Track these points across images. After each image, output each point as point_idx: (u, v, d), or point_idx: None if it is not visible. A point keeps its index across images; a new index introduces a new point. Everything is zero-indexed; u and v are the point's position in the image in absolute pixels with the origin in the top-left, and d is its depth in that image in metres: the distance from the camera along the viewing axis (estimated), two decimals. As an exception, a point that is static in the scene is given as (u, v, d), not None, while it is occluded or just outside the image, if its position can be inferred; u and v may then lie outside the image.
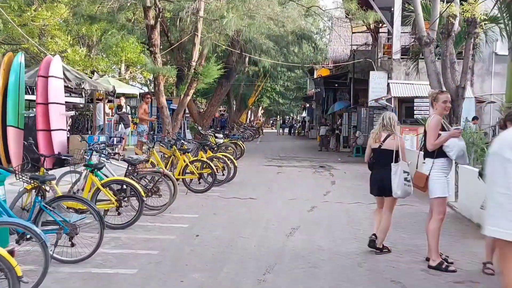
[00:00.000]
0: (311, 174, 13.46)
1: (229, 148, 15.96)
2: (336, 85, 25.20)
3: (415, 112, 15.56)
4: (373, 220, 6.17)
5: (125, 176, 7.35)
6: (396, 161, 5.54)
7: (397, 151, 5.59)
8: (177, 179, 9.62)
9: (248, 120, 60.02)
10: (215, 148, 14.09)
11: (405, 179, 5.47)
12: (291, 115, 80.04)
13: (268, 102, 61.27)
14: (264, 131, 45.68)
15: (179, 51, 20.63)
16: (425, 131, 5.23)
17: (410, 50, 16.87)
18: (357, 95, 23.56)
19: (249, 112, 60.63)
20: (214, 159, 10.90)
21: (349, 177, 12.89)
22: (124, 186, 6.80)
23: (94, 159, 7.52)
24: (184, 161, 9.68)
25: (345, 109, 23.76)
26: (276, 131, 51.49)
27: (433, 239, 5.20)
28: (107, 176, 7.18)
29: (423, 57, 16.16)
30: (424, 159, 5.23)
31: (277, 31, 25.88)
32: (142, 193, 6.58)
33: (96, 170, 6.60)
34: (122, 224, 6.56)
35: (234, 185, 10.75)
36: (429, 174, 5.07)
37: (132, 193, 6.69)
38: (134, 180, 7.16)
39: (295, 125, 49.61)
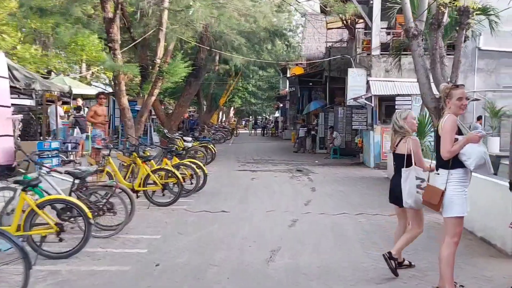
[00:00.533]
0: (288, 179, 12.42)
1: (198, 153, 14.78)
2: (311, 84, 24.30)
3: (396, 111, 14.69)
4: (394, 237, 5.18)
5: (71, 192, 6.11)
6: (408, 166, 4.59)
7: (409, 155, 4.61)
8: (138, 191, 8.43)
9: (219, 121, 58.73)
10: (183, 154, 12.90)
11: (418, 186, 4.49)
12: (264, 115, 79.22)
13: (240, 102, 60.22)
14: (239, 132, 44.47)
15: (143, 48, 19.30)
16: (437, 136, 4.20)
17: (391, 45, 16.06)
18: (333, 94, 22.71)
19: (221, 112, 59.36)
20: (181, 166, 9.72)
21: (329, 182, 11.91)
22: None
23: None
24: (146, 170, 8.46)
25: (321, 109, 22.88)
26: (248, 131, 50.39)
27: (447, 267, 4.20)
28: (48, 193, 5.94)
29: (406, 52, 15.44)
30: (437, 169, 4.21)
31: (248, 27, 24.85)
32: (89, 214, 5.36)
33: (31, 187, 5.35)
34: (65, 253, 5.34)
35: (204, 196, 9.59)
36: (445, 189, 4.05)
37: (79, 213, 5.48)
38: (81, 197, 5.94)
39: (268, 125, 48.62)
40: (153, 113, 25.77)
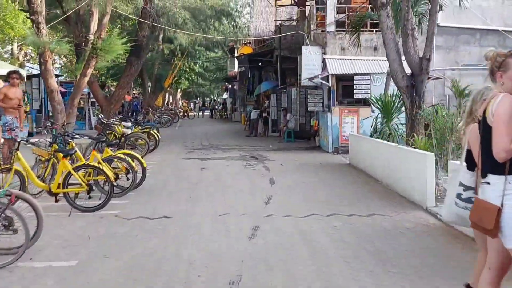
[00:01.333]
0: (242, 169, 11.05)
1: (139, 140, 13.08)
2: (261, 64, 22.90)
3: (355, 91, 13.67)
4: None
5: None
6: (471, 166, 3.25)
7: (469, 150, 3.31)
8: (57, 194, 6.77)
9: (166, 103, 56.24)
10: (118, 143, 11.21)
11: (459, 196, 3.21)
12: (212, 97, 77.17)
13: (187, 84, 57.96)
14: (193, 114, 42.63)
15: (77, 24, 17.07)
16: (484, 126, 2.84)
17: (346, 21, 14.92)
18: (285, 74, 21.46)
19: (167, 95, 56.89)
20: (115, 159, 8.10)
21: (288, 171, 10.66)
22: None
23: None
24: (66, 167, 6.78)
25: (272, 90, 21.58)
26: (195, 114, 48.45)
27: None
28: None
29: (364, 29, 14.32)
30: (485, 176, 2.87)
31: (193, 3, 23.01)
32: None
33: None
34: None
35: (142, 194, 8.03)
36: (501, 205, 2.75)
37: None
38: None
39: (216, 107, 46.89)
40: (92, 96, 23.60)
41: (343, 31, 15.01)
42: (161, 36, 28.23)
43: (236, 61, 37.91)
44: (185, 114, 40.24)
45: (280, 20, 22.44)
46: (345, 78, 14.13)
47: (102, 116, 14.10)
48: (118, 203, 7.21)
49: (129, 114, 23.32)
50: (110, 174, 6.93)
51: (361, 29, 14.59)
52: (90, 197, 6.98)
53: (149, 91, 30.54)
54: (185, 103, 51.73)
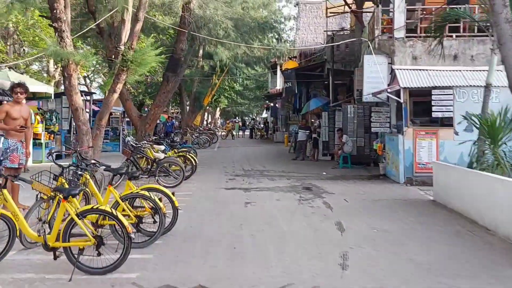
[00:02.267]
0: (297, 206, 8.82)
1: (173, 166, 11.15)
2: (309, 79, 20.76)
3: (433, 108, 11.25)
4: None
5: None
6: None
7: None
8: (55, 249, 4.80)
9: (205, 122, 54.85)
10: (152, 169, 9.34)
11: None
12: (250, 116, 75.62)
13: (226, 103, 56.52)
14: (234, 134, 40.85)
15: (110, 37, 15.56)
16: None
17: (419, 24, 12.63)
18: (335, 90, 19.26)
19: (206, 114, 55.60)
20: (138, 197, 6.10)
21: (357, 210, 8.37)
22: None
23: None
24: (69, 211, 4.80)
25: (323, 108, 19.35)
26: (235, 133, 46.63)
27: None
28: None
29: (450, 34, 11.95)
30: None
31: (235, 14, 21.29)
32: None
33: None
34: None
35: (171, 245, 5.97)
36: None
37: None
38: None
39: (255, 126, 44.92)
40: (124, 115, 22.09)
41: (415, 36, 12.70)
42: (200, 52, 26.70)
43: (278, 78, 36.02)
44: (228, 134, 38.22)
45: (331, 31, 20.30)
46: (417, 93, 11.77)
47: (131, 138, 12.26)
48: (138, 259, 5.21)
49: (163, 134, 21.61)
50: (127, 222, 4.87)
51: (432, 34, 12.27)
52: (99, 254, 4.94)
53: (187, 110, 28.93)
54: (228, 123, 50.01)
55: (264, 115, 62.46)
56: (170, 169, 11.28)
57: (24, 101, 7.25)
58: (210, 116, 66.28)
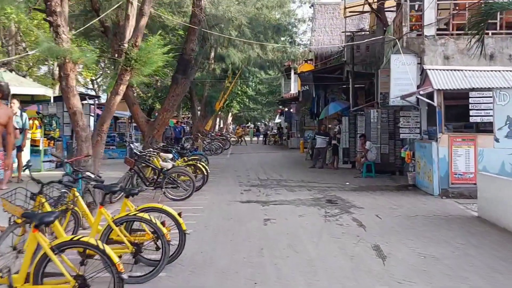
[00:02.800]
0: (323, 224, 7.69)
1: (182, 177, 10.11)
2: (327, 82, 19.62)
3: (471, 112, 10.06)
4: None
5: None
6: None
7: None
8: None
9: (217, 127, 53.91)
10: (159, 179, 8.34)
11: None
12: (263, 121, 74.64)
13: (239, 108, 55.57)
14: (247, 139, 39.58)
15: (116, 36, 14.65)
16: None
17: (450, 20, 11.47)
18: (355, 93, 18.12)
19: (218, 119, 54.70)
20: (135, 220, 5.03)
21: (393, 229, 7.22)
22: None
23: None
24: (43, 244, 3.74)
25: (341, 113, 18.20)
26: (249, 139, 45.48)
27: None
28: None
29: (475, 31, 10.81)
30: None
31: (249, 13, 20.31)
32: None
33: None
34: None
35: (177, 278, 4.91)
36: None
37: None
38: None
39: (268, 132, 43.78)
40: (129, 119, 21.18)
41: (447, 34, 11.53)
42: (212, 54, 25.73)
43: (292, 82, 34.96)
44: (240, 139, 37.20)
45: (350, 32, 19.17)
46: (449, 95, 10.60)
47: (136, 145, 11.24)
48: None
49: (172, 140, 20.66)
50: (117, 258, 3.78)
51: (471, 31, 11.10)
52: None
53: (198, 114, 27.93)
54: (241, 129, 48.57)
55: (277, 120, 61.37)
56: (179, 179, 10.22)
57: (5, 103, 6.24)
58: (222, 121, 65.43)
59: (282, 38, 27.68)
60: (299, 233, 7.03)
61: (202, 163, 11.89)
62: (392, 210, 8.79)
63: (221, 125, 63.25)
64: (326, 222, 7.76)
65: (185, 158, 12.65)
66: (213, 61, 25.65)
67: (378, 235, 6.79)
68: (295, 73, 33.54)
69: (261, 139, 41.96)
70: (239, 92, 46.58)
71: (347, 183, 12.62)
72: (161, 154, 10.54)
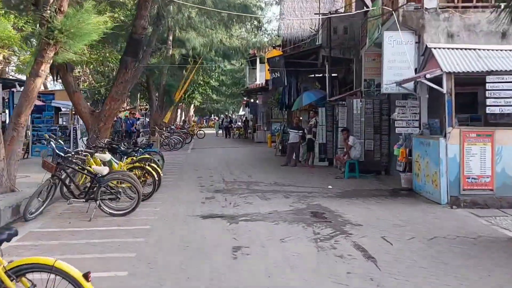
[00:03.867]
0: (316, 254, 5.53)
1: (124, 184, 7.74)
2: (302, 68, 17.49)
3: (488, 101, 8.14)
4: None
5: None
6: None
7: None
8: None
9: (178, 120, 50.98)
10: (91, 191, 5.97)
11: None
12: (226, 113, 72.21)
13: (201, 99, 52.86)
14: (204, 132, 36.61)
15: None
16: None
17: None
18: (333, 82, 16.11)
19: (179, 111, 51.85)
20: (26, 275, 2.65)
21: (415, 262, 5.14)
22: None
23: None
24: None
25: (315, 104, 16.14)
26: (214, 131, 42.81)
27: None
28: None
29: (483, 3, 8.92)
30: None
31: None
32: None
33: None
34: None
35: None
36: None
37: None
38: None
39: (233, 125, 41.29)
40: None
41: (452, 7, 9.60)
42: (170, 38, 23.12)
43: (259, 72, 32.66)
44: (192, 134, 32.44)
45: (325, 13, 17.04)
46: (466, 81, 8.70)
47: (57, 142, 8.68)
48: None
49: (122, 135, 18.17)
50: None
51: (478, 3, 9.28)
52: None
53: (155, 105, 25.25)
54: (193, 121, 45.49)
55: (242, 112, 59.02)
56: (121, 187, 7.82)
57: None
58: (184, 113, 62.46)
59: (248, 24, 25.43)
60: (286, 273, 4.83)
61: (153, 164, 9.50)
62: (399, 228, 6.73)
63: (183, 117, 60.30)
64: (319, 252, 5.60)
65: (133, 157, 10.23)
66: (171, 47, 23.06)
67: (399, 276, 4.69)
68: (261, 62, 31.36)
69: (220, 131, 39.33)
70: (202, 83, 43.97)
71: (330, 187, 10.54)
72: (96, 155, 8.09)
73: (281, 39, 23.32)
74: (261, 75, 30.93)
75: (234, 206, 8.48)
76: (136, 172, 9.03)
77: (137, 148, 12.63)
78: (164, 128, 26.66)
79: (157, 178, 8.98)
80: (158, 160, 12.17)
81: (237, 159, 17.82)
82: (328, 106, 14.36)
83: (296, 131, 14.70)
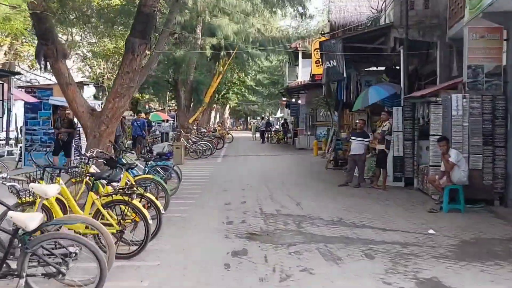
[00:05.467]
0: None
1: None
2: (364, 56, 13.54)
3: None
4: None
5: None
6: None
7: None
8: None
9: (212, 122, 47.64)
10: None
11: None
12: (262, 115, 68.46)
13: (237, 100, 49.46)
14: (232, 136, 32.85)
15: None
16: None
17: None
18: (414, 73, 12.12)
19: (212, 112, 48.56)
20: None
21: None
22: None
23: None
24: None
25: (381, 102, 12.12)
26: (251, 135, 38.62)
27: None
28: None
29: None
30: None
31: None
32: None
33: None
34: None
35: None
36: None
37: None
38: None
39: (270, 128, 37.23)
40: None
41: None
42: (199, 27, 19.62)
43: (301, 69, 28.78)
44: (221, 138, 25.46)
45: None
46: None
47: None
48: None
49: (125, 141, 14.80)
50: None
51: None
52: None
53: (183, 105, 21.76)
54: (218, 125, 41.15)
55: (279, 114, 55.11)
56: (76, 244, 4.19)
57: None
58: (218, 115, 59.27)
59: (290, 8, 21.60)
60: None
61: (148, 195, 5.86)
62: None
63: (218, 120, 57.01)
64: None
65: (130, 182, 6.70)
66: (200, 36, 19.54)
67: None
68: (304, 58, 27.48)
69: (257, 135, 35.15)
70: (237, 82, 40.53)
71: (431, 232, 6.61)
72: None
73: (330, 26, 19.38)
74: (304, 72, 27.06)
75: (281, 278, 4.74)
76: (122, 208, 5.42)
77: (146, 159, 9.22)
78: (194, 132, 23.23)
79: (149, 219, 5.32)
80: (166, 178, 8.66)
81: (277, 172, 14.06)
82: (407, 105, 10.39)
83: (361, 139, 10.77)
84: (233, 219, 7.43)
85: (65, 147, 12.05)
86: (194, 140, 19.67)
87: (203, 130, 27.51)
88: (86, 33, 25.63)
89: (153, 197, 5.83)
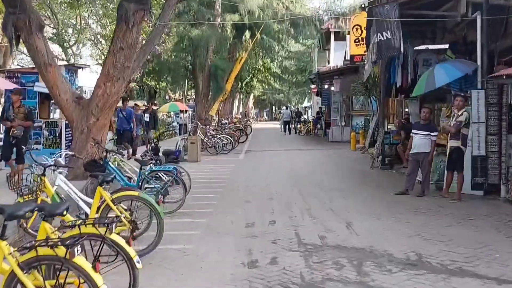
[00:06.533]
0: None
1: None
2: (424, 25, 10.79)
3: None
4: None
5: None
6: None
7: None
8: None
9: (235, 113, 45.23)
10: None
11: None
12: (289, 105, 65.75)
13: (261, 89, 46.83)
14: (251, 127, 30.06)
15: None
16: None
17: None
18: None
19: (235, 101, 46.10)
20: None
21: None
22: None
23: None
24: None
25: (447, 86, 9.35)
26: (280, 128, 35.28)
27: None
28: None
29: None
30: None
31: None
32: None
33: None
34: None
35: None
36: None
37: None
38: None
39: (297, 119, 34.38)
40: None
41: None
42: (218, 2, 17.08)
43: (333, 52, 26.00)
44: (241, 133, 21.58)
45: None
46: None
47: None
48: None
49: (117, 136, 12.43)
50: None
51: None
52: None
53: (201, 94, 19.34)
54: (236, 116, 37.64)
55: (306, 103, 52.20)
56: None
57: None
58: (242, 104, 56.66)
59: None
60: None
61: (116, 236, 3.46)
62: None
63: (241, 109, 54.52)
64: None
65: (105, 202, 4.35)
66: (219, 12, 17.03)
67: None
68: (336, 40, 24.70)
69: (294, 127, 32.25)
70: (262, 69, 37.85)
71: None
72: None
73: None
74: (337, 56, 24.28)
75: None
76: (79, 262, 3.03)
77: (141, 163, 6.94)
78: (214, 123, 20.85)
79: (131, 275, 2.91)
80: (164, 191, 6.34)
81: (311, 172, 11.56)
82: (492, 87, 7.69)
83: (427, 132, 8.13)
84: (258, 256, 4.98)
85: (18, 148, 8.20)
86: (213, 133, 17.28)
87: (225, 121, 25.13)
88: (96, 15, 23.61)
89: (120, 240, 3.41)
